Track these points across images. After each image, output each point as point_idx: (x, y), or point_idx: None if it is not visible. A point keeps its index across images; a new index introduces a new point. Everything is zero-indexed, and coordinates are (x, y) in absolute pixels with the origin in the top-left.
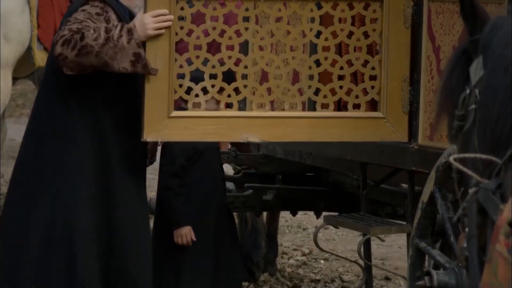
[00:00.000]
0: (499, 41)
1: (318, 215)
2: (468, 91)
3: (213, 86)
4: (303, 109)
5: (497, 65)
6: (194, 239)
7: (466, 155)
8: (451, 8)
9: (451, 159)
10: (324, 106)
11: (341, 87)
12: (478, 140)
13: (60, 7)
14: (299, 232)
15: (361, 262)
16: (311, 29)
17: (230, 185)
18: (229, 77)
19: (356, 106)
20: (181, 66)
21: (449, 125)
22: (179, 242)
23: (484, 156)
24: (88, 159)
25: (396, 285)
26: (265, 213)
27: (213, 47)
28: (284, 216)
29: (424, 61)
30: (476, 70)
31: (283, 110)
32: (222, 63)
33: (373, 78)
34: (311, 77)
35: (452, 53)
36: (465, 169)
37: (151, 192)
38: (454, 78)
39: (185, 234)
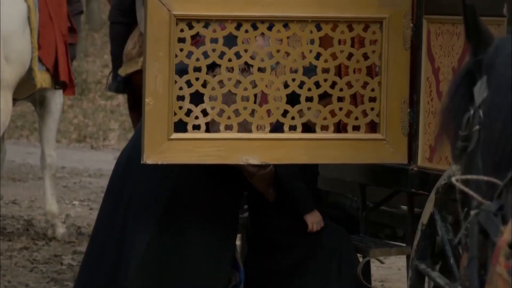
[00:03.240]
0: (503, 61)
1: None
2: (472, 111)
3: (212, 108)
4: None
5: (501, 85)
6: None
7: (468, 176)
8: (450, 30)
9: (453, 180)
10: (324, 128)
11: (340, 109)
12: (482, 161)
13: (61, 28)
14: None
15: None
16: (310, 51)
17: None
18: (230, 99)
19: (356, 128)
20: (181, 88)
21: (452, 145)
22: (313, 230)
23: (485, 178)
24: None
25: None
26: None
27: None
28: None
29: (423, 82)
30: (480, 90)
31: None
32: (222, 85)
33: (372, 99)
34: (310, 99)
35: (455, 74)
36: (467, 190)
37: None
38: (458, 99)
39: (318, 220)
